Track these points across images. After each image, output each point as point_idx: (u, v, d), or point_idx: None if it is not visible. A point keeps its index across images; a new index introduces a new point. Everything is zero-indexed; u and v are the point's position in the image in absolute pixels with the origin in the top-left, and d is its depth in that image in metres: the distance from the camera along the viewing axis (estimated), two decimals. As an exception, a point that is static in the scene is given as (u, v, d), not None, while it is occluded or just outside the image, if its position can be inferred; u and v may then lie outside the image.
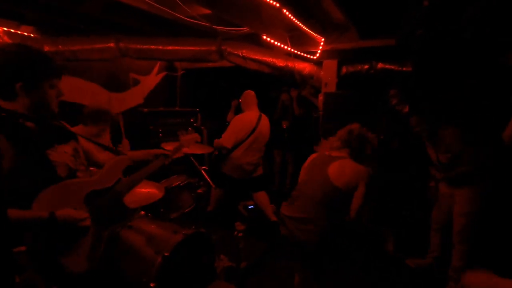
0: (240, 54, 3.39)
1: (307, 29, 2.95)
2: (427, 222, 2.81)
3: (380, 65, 3.25)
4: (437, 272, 2.69)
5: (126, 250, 2.00)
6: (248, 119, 3.14)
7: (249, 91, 3.26)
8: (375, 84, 3.54)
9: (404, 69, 3.17)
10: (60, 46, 3.04)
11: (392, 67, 3.22)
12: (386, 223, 3.43)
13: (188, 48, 3.30)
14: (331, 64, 3.58)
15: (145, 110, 4.33)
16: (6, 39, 2.91)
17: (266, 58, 3.46)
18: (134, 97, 4.58)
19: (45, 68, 1.17)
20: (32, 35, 3.14)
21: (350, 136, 1.96)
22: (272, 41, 3.12)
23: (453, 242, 2.48)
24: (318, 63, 3.70)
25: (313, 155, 2.04)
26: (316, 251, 1.80)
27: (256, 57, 3.44)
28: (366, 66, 3.31)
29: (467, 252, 2.43)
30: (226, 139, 3.02)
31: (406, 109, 3.67)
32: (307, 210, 1.80)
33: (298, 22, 2.71)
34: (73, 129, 2.51)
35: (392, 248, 3.16)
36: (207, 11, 2.84)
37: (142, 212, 2.24)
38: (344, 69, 3.49)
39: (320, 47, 3.47)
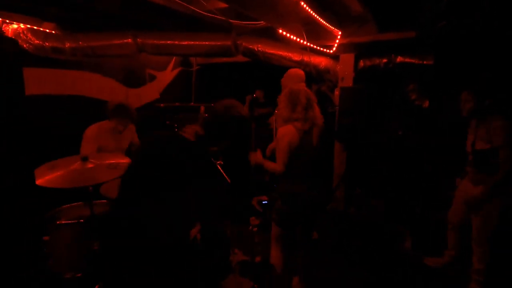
0: (256, 48, 3.36)
1: (324, 22, 2.89)
2: (444, 220, 2.74)
3: (399, 59, 3.15)
4: (455, 271, 2.62)
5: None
6: None
7: (294, 69, 2.88)
8: (394, 79, 3.45)
9: (424, 62, 3.07)
10: (80, 42, 3.11)
11: (412, 60, 3.12)
12: (402, 220, 3.36)
13: (204, 43, 3.30)
14: (348, 58, 3.51)
15: (162, 105, 4.40)
16: (29, 36, 3.01)
17: (281, 53, 3.42)
18: (150, 92, 4.66)
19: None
20: (54, 31, 3.24)
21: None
22: (288, 35, 3.08)
23: (472, 244, 2.41)
24: (334, 57, 3.63)
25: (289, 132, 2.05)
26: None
27: (272, 52, 3.41)
28: (385, 60, 3.23)
29: (487, 254, 2.35)
30: None
31: (426, 104, 3.56)
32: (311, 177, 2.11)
33: (315, 15, 2.65)
34: (98, 124, 2.59)
35: (409, 246, 3.10)
36: (223, 5, 2.84)
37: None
38: (361, 63, 3.41)
39: (337, 41, 3.40)
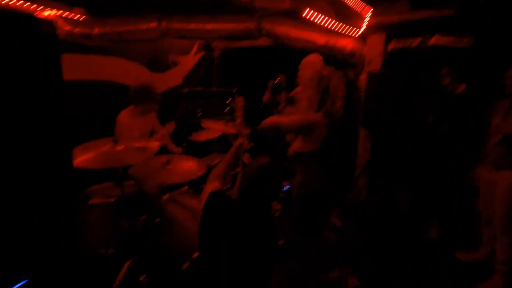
0: (279, 31, 3.27)
1: (351, 1, 2.75)
2: (472, 210, 2.62)
3: (433, 39, 2.94)
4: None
5: (169, 222, 2.14)
6: None
7: (311, 56, 2.48)
8: (426, 61, 3.25)
9: (462, 43, 2.85)
10: (108, 28, 3.18)
11: (448, 41, 2.91)
12: (429, 209, 3.25)
13: (227, 26, 3.27)
14: (377, 40, 3.31)
15: (185, 90, 4.47)
16: (61, 22, 3.11)
17: (305, 35, 3.30)
18: (174, 77, 4.72)
19: None
20: (83, 17, 3.32)
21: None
22: (312, 17, 2.96)
23: (496, 232, 2.31)
24: (361, 39, 3.45)
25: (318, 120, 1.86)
26: None
27: (295, 35, 3.31)
28: (418, 41, 3.03)
29: None
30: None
31: (460, 90, 3.33)
32: None
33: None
34: (127, 109, 2.67)
35: (436, 236, 3.01)
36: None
37: (185, 188, 2.35)
38: (391, 45, 3.22)
39: (366, 21, 3.22)
